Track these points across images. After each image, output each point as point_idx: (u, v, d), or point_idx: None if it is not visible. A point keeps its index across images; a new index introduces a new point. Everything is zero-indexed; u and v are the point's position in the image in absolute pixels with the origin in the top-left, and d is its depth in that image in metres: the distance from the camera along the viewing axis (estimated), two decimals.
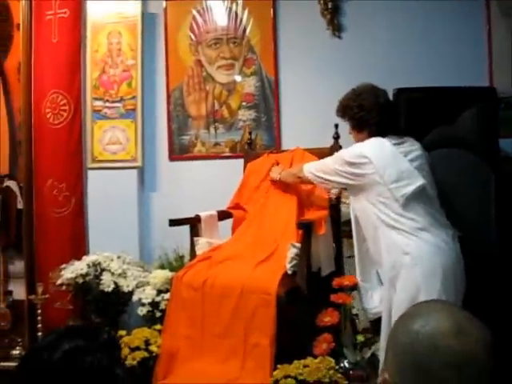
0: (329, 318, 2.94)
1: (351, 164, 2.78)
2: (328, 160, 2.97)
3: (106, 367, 1.04)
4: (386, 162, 2.71)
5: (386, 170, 2.68)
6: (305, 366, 2.68)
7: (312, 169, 3.04)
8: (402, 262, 2.59)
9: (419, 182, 2.69)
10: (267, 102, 4.18)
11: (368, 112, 2.85)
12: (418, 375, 0.96)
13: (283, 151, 3.85)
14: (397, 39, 4.02)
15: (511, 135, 3.85)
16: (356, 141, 2.93)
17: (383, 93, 2.94)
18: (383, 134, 2.83)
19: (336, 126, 3.51)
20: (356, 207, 2.88)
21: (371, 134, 2.85)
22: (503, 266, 2.96)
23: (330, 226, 3.28)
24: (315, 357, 2.78)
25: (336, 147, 3.52)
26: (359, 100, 2.88)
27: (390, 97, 3.27)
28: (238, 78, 4.22)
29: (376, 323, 2.89)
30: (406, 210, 2.63)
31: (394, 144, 2.79)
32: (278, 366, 2.76)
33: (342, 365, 2.83)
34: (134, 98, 4.15)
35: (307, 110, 4.08)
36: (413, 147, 2.83)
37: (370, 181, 2.71)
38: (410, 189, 2.65)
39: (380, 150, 2.76)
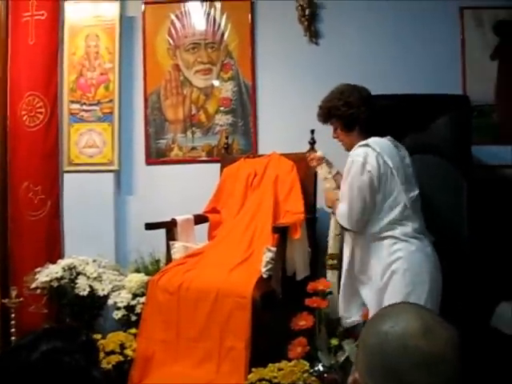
0: (303, 321, 2.97)
1: (367, 169, 2.64)
2: (349, 187, 2.70)
3: (84, 368, 1.05)
4: (396, 163, 2.67)
5: (398, 170, 2.65)
6: (279, 370, 2.70)
7: (348, 220, 2.72)
8: (393, 267, 2.58)
9: (417, 189, 2.70)
10: (244, 107, 4.20)
11: (357, 107, 2.79)
12: (387, 375, 0.98)
13: (260, 156, 3.89)
14: (373, 46, 4.08)
15: (484, 143, 3.93)
16: (345, 143, 2.87)
17: (364, 88, 2.90)
18: (372, 132, 2.77)
19: (312, 131, 3.55)
20: None
21: (361, 132, 2.80)
22: (474, 267, 3.01)
23: (306, 230, 3.30)
24: (290, 360, 2.81)
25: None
26: (344, 98, 2.82)
27: None
28: (216, 83, 4.23)
29: (351, 329, 2.91)
30: (403, 215, 2.63)
31: (394, 146, 2.76)
32: (253, 369, 2.78)
33: (316, 368, 2.85)
34: (111, 101, 4.14)
35: (284, 116, 4.11)
36: (406, 153, 2.81)
37: (385, 180, 2.63)
38: (414, 194, 2.66)
39: (389, 150, 2.69)
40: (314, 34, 4.15)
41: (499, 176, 3.90)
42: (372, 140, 2.71)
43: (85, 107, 4.16)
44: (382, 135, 2.83)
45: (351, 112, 2.78)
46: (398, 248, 2.60)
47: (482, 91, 4.06)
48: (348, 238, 2.87)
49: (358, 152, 2.69)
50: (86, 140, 4.16)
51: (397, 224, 2.63)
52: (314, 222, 3.56)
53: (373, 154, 2.65)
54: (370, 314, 2.63)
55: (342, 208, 2.76)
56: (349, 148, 2.84)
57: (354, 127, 2.81)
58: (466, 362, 1.01)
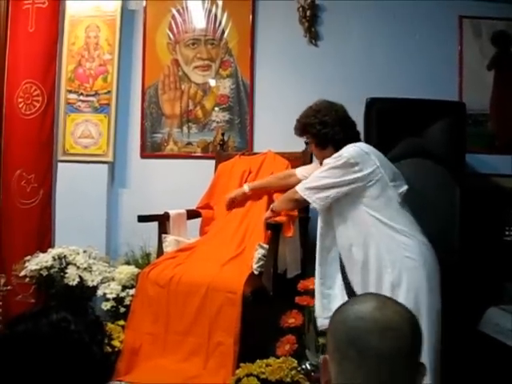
0: (293, 319, 2.98)
1: (354, 164, 2.57)
2: (323, 170, 2.69)
3: (86, 343, 1.05)
4: (382, 160, 2.64)
5: (385, 167, 2.60)
6: (267, 365, 2.69)
7: (306, 185, 2.75)
8: (405, 264, 2.49)
9: (405, 185, 2.65)
10: (241, 105, 4.21)
11: (332, 127, 2.78)
12: (349, 345, 1.11)
13: (255, 154, 3.89)
14: (372, 50, 4.11)
15: (477, 151, 3.96)
16: (320, 158, 2.85)
17: (341, 107, 2.88)
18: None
19: None
20: (342, 216, 2.68)
21: (335, 151, 2.72)
22: (464, 273, 3.03)
23: (299, 229, 3.31)
24: (278, 357, 2.80)
25: (307, 152, 3.58)
26: (320, 116, 2.80)
27: (363, 106, 3.35)
28: (212, 82, 4.24)
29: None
30: (402, 210, 2.58)
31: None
32: (241, 364, 2.78)
33: (303, 366, 2.85)
34: (108, 92, 4.14)
35: (280, 115, 4.11)
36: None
37: (373, 177, 2.57)
38: (404, 189, 2.62)
39: (373, 149, 2.66)
40: (314, 36, 4.18)
41: (491, 185, 3.93)
42: (356, 144, 2.69)
43: (82, 97, 4.15)
44: (376, 139, 2.80)
45: (325, 132, 2.79)
46: (408, 243, 2.54)
47: (477, 100, 4.10)
48: (325, 234, 2.79)
49: (342, 153, 2.64)
50: (81, 130, 4.15)
51: (401, 217, 2.58)
52: (307, 221, 3.56)
53: (359, 152, 2.61)
54: None
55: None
56: (322, 162, 2.82)
57: (327, 145, 2.82)
58: (417, 333, 1.14)
